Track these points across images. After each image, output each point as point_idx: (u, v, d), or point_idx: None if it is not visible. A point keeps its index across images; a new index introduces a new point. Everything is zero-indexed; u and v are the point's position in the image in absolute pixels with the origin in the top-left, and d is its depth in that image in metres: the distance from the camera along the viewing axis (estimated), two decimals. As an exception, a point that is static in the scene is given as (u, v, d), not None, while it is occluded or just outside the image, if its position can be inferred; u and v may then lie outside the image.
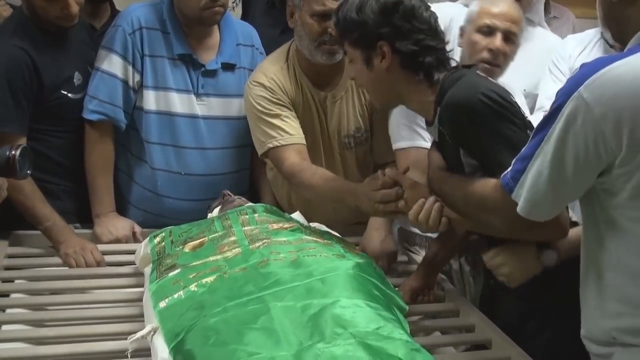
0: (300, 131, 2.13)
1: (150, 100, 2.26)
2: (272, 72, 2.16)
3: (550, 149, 1.30)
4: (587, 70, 1.27)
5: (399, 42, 1.67)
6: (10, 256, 2.14)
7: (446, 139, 1.67)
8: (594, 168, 1.29)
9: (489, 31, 2.02)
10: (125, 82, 2.24)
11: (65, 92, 2.20)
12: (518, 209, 1.39)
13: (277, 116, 2.11)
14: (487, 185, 1.51)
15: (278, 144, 2.10)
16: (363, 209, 1.84)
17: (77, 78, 2.24)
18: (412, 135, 2.07)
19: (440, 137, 1.71)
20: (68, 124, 2.25)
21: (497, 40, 2.00)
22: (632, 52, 1.28)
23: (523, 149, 1.38)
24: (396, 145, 2.12)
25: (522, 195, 1.37)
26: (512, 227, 1.53)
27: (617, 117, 1.22)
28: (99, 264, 2.11)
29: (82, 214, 2.33)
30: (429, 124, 1.77)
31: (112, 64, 2.23)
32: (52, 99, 2.17)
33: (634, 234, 1.30)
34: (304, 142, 2.13)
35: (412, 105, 1.77)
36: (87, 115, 2.24)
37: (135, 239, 2.28)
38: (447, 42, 1.75)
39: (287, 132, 2.10)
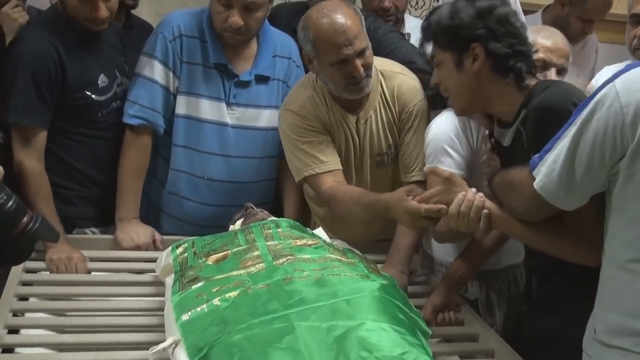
0: (335, 156, 2.15)
1: (181, 104, 2.30)
2: (302, 99, 2.17)
3: (574, 130, 1.34)
4: (629, 66, 1.33)
5: (493, 43, 1.68)
6: (30, 259, 2.12)
7: (522, 141, 1.66)
8: (607, 156, 1.31)
9: (544, 66, 2.00)
10: (166, 88, 2.28)
11: (89, 93, 2.21)
12: (535, 182, 1.42)
13: (310, 143, 2.14)
14: (523, 168, 1.51)
15: (314, 172, 2.12)
16: (398, 219, 1.86)
17: (102, 80, 2.24)
18: (449, 163, 1.98)
19: (515, 140, 1.70)
20: (87, 126, 2.25)
21: (552, 75, 1.99)
22: None
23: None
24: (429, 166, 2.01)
25: (541, 172, 1.41)
26: (528, 207, 1.52)
27: (637, 108, 1.27)
28: None
29: (98, 218, 2.33)
30: (502, 125, 1.76)
31: (154, 70, 2.26)
32: (75, 98, 2.18)
33: (633, 216, 1.32)
34: (339, 166, 2.15)
35: (496, 108, 1.76)
36: (127, 120, 2.27)
37: (155, 246, 2.28)
38: (536, 52, 1.77)
39: (321, 160, 2.12)
